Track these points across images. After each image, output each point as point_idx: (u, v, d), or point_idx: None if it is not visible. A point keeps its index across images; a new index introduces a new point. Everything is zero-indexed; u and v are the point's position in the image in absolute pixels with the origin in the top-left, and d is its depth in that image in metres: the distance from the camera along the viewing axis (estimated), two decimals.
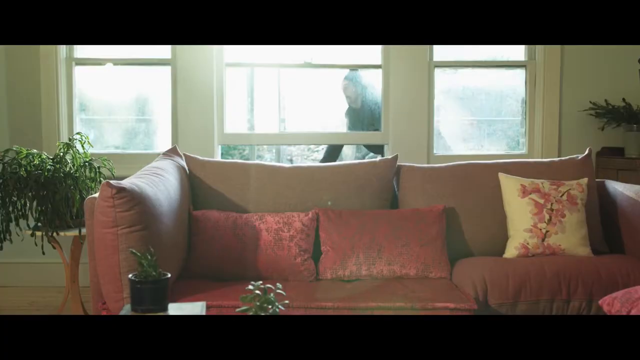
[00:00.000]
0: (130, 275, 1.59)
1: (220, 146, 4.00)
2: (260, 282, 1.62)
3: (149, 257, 1.61)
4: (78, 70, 3.94)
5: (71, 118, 3.92)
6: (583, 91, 3.95)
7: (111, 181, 2.23)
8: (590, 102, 3.91)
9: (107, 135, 4.05)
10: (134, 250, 1.68)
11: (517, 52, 4.06)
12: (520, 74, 4.04)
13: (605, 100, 3.88)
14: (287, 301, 2.10)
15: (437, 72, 3.99)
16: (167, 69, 3.92)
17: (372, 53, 4.00)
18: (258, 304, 1.58)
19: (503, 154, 4.04)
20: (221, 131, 3.94)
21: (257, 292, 1.58)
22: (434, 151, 4.00)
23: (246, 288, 1.61)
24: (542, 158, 3.92)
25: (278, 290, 1.62)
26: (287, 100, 4.12)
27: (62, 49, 3.87)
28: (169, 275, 1.59)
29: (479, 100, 4.09)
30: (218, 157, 3.95)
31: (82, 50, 3.95)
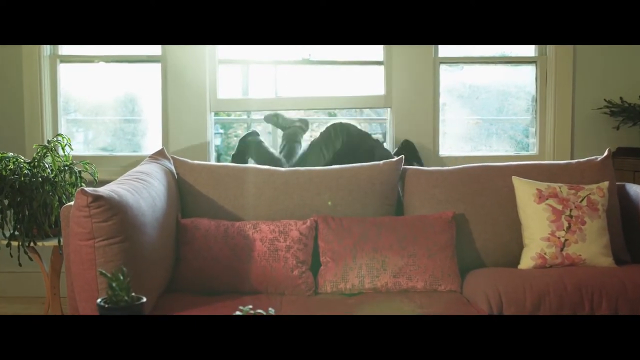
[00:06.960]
0: (98, 300, 1.37)
1: (214, 147, 3.79)
2: (250, 306, 1.41)
3: (121, 277, 1.39)
4: (63, 68, 3.73)
5: (56, 119, 3.70)
6: (597, 88, 3.75)
7: (87, 188, 2.01)
8: (605, 99, 3.71)
9: (95, 136, 3.83)
10: (103, 271, 1.46)
11: (527, 47, 3.85)
12: (530, 71, 3.83)
13: (621, 98, 3.69)
14: None
15: (443, 68, 3.78)
16: (157, 67, 3.70)
17: (372, 49, 3.79)
18: None
19: (513, 155, 3.83)
20: (214, 97, 3.70)
21: None
22: (440, 152, 3.78)
23: (233, 314, 1.40)
24: (553, 159, 3.73)
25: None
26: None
27: (46, 45, 3.65)
28: (144, 299, 1.37)
29: (487, 98, 3.87)
30: (212, 160, 3.73)
31: (67, 47, 3.73)
